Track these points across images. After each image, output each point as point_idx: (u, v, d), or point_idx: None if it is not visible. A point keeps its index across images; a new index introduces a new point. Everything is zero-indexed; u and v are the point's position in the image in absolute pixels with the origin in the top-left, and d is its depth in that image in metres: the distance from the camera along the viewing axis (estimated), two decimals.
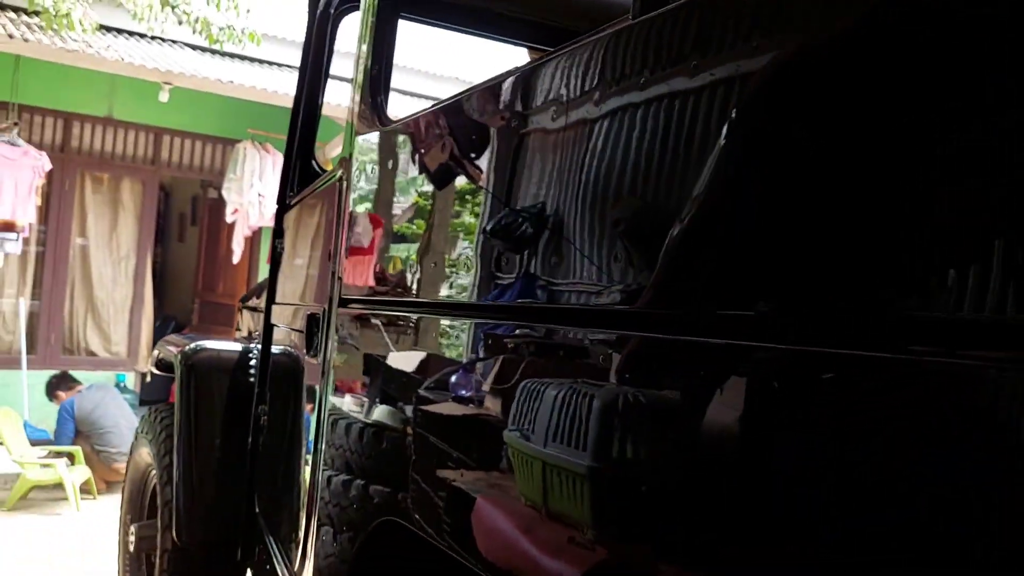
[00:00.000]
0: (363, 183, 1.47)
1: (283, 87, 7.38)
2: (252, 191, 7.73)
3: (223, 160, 8.38)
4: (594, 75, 0.82)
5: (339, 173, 1.60)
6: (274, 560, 2.06)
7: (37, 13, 6.32)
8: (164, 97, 6.96)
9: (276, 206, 2.51)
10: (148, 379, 8.41)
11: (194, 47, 7.71)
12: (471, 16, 2.00)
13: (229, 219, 7.90)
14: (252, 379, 2.75)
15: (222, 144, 8.37)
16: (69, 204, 7.70)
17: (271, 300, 2.43)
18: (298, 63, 8.08)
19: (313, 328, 1.73)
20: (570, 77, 0.87)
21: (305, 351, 1.76)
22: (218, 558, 2.76)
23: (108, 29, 7.23)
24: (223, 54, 7.76)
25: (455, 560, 1.28)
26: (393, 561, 1.33)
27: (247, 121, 8.05)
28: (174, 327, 9.87)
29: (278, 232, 2.44)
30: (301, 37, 7.59)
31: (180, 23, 6.53)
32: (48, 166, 6.90)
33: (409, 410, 1.19)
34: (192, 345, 2.94)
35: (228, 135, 8.19)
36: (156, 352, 3.49)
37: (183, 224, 10.85)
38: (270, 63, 8.19)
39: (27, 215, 6.78)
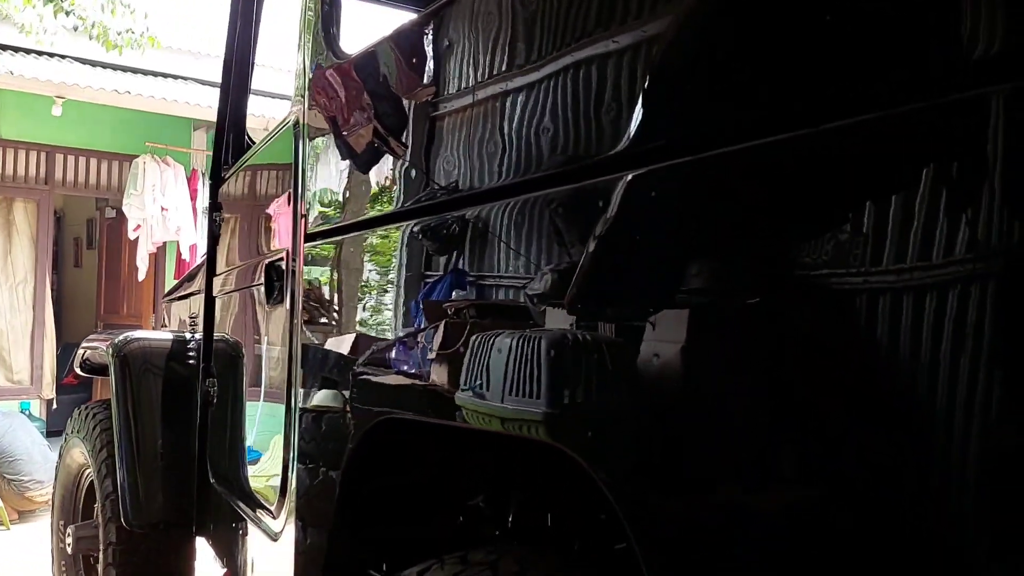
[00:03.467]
0: (320, 121, 1.53)
1: (182, 97, 7.27)
2: (155, 205, 7.57)
3: (120, 177, 8.17)
4: None
5: (292, 119, 1.66)
6: (238, 522, 2.08)
7: None
8: (57, 111, 6.77)
9: (211, 181, 2.52)
10: (54, 406, 8.14)
11: (85, 61, 7.51)
12: None
13: (132, 236, 7.72)
14: (187, 361, 2.76)
15: (118, 161, 8.17)
16: None
17: (211, 273, 2.45)
18: (194, 74, 7.92)
19: (273, 276, 1.77)
20: None
21: (265, 300, 1.80)
22: (168, 538, 2.75)
23: None
24: (115, 67, 7.58)
25: (453, 448, 1.35)
26: (386, 466, 1.39)
27: (144, 135, 7.89)
28: (76, 354, 9.55)
29: (215, 206, 2.46)
30: (197, 47, 7.43)
31: (76, 29, 6.34)
32: None
33: (392, 313, 1.26)
34: (121, 337, 2.92)
35: (125, 151, 8.00)
36: (81, 352, 3.43)
37: (79, 248, 10.51)
38: (164, 75, 8.03)
39: None
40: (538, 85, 0.98)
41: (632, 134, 0.83)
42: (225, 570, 2.95)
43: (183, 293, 3.21)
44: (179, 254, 7.95)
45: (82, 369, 3.48)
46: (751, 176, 0.73)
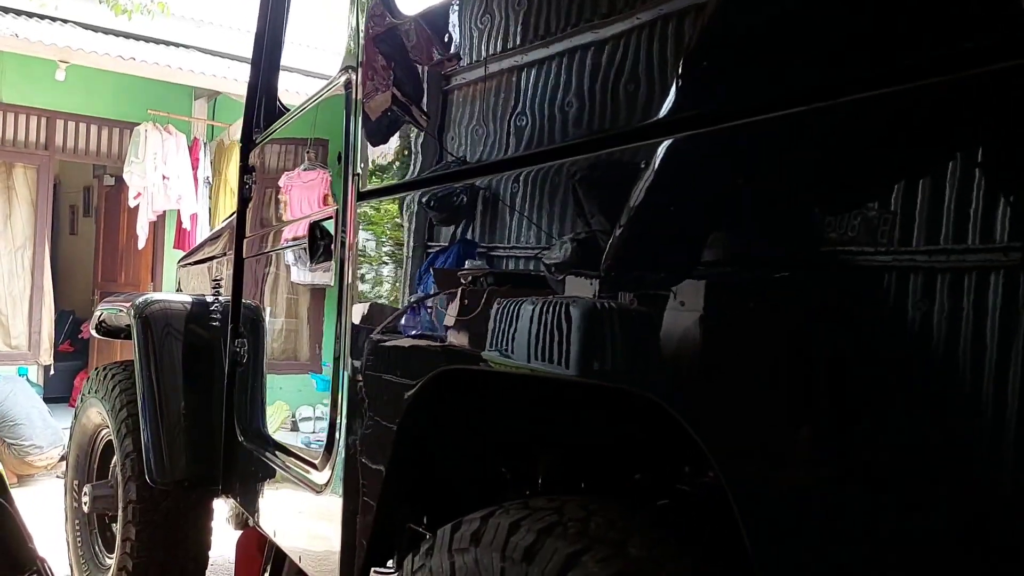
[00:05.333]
0: (376, 79, 1.55)
1: (186, 65, 7.23)
2: (156, 173, 7.55)
3: (120, 145, 8.14)
4: None
5: (342, 79, 1.67)
6: (269, 478, 2.12)
7: None
8: (61, 76, 6.72)
9: (241, 143, 2.53)
10: (51, 372, 8.14)
11: (87, 26, 7.47)
12: None
13: (132, 203, 7.69)
14: (210, 323, 2.79)
15: (119, 128, 8.13)
16: None
17: (241, 236, 2.47)
18: (196, 42, 7.88)
19: (317, 235, 1.80)
20: None
21: (309, 260, 1.83)
22: (188, 497, 2.79)
23: None
24: (119, 33, 7.54)
25: (519, 396, 1.39)
26: (440, 419, 1.42)
27: (145, 103, 7.86)
28: (72, 320, 9.55)
29: (246, 169, 2.48)
30: (200, 14, 7.37)
31: None
32: None
33: (452, 266, 1.29)
34: (141, 299, 2.94)
35: (126, 118, 7.96)
36: (97, 314, 3.45)
37: (75, 216, 10.47)
38: (167, 43, 7.99)
39: None
40: (618, 38, 1.00)
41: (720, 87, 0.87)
42: (251, 526, 3.00)
43: (201, 257, 3.23)
44: (179, 223, 7.93)
45: (98, 331, 3.50)
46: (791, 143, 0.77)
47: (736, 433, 0.82)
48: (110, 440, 3.23)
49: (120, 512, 2.90)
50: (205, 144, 8.14)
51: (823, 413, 0.74)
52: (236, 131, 8.05)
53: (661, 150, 0.92)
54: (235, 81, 7.32)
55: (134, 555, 2.79)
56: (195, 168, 7.89)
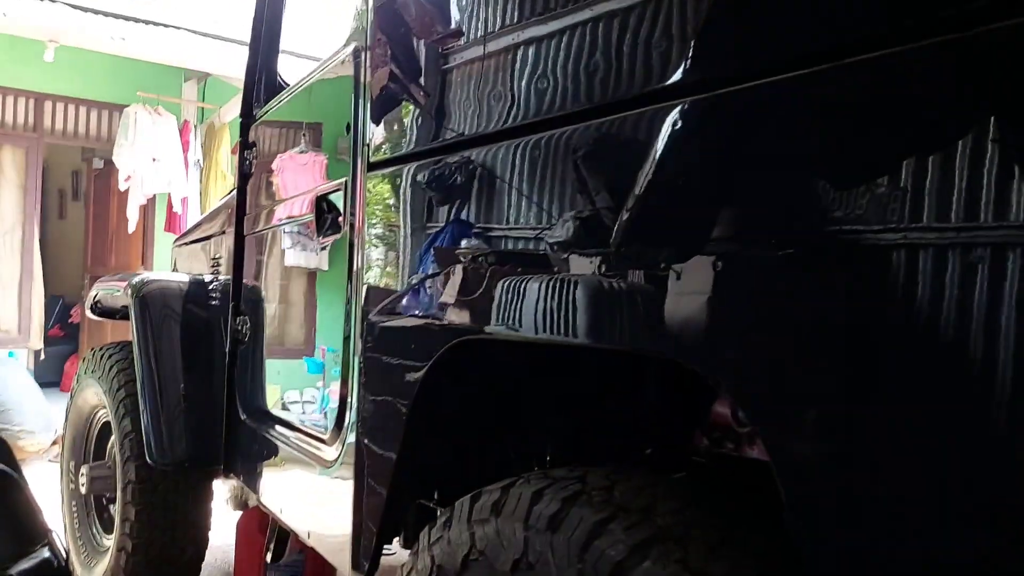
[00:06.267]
0: (385, 49, 1.52)
1: (177, 46, 7.15)
2: (146, 156, 7.48)
3: (110, 127, 8.07)
4: None
5: (353, 48, 1.65)
6: (273, 455, 2.10)
7: None
8: (50, 56, 6.64)
9: (240, 119, 2.50)
10: (41, 357, 8.08)
11: (75, 6, 7.37)
12: None
13: (122, 186, 7.62)
14: (209, 303, 2.77)
15: (108, 110, 8.06)
16: None
17: (242, 212, 2.44)
18: (189, 26, 7.76)
19: (324, 208, 1.78)
20: None
21: (316, 234, 1.81)
22: (188, 477, 2.77)
23: None
24: (107, 14, 7.44)
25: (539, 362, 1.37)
26: (454, 392, 1.41)
27: (135, 84, 7.78)
28: (62, 305, 9.48)
29: (246, 145, 2.44)
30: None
31: None
32: None
33: (469, 234, 1.27)
34: (139, 278, 2.92)
35: (116, 100, 7.89)
36: (93, 294, 3.42)
37: (63, 199, 10.38)
38: (156, 23, 7.89)
39: None
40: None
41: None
42: (251, 507, 2.98)
43: (198, 237, 3.20)
44: (170, 206, 7.86)
45: (93, 311, 3.47)
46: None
47: (780, 400, 0.80)
48: (107, 421, 3.20)
49: (119, 493, 2.87)
50: (195, 126, 8.07)
51: (869, 379, 0.72)
52: (227, 113, 8.00)
53: (687, 109, 0.90)
54: (227, 63, 7.25)
55: (133, 536, 2.77)
56: (185, 151, 7.82)
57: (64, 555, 1.36)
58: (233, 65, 7.28)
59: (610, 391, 1.46)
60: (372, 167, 1.54)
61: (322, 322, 2.00)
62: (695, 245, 0.89)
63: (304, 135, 2.08)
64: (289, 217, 2.06)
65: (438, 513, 1.55)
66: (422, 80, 1.43)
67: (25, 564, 1.29)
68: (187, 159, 7.81)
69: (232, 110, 7.92)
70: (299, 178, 2.10)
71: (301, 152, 2.13)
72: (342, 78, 1.71)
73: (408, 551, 1.62)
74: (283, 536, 2.48)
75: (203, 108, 8.30)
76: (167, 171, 7.61)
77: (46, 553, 1.33)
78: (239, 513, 3.17)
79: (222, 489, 3.25)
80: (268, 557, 2.53)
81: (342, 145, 1.74)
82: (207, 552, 3.04)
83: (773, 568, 0.94)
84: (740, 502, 1.11)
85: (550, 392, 1.47)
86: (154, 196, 7.83)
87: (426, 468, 1.52)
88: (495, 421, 1.49)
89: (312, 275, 2.10)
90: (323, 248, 2.08)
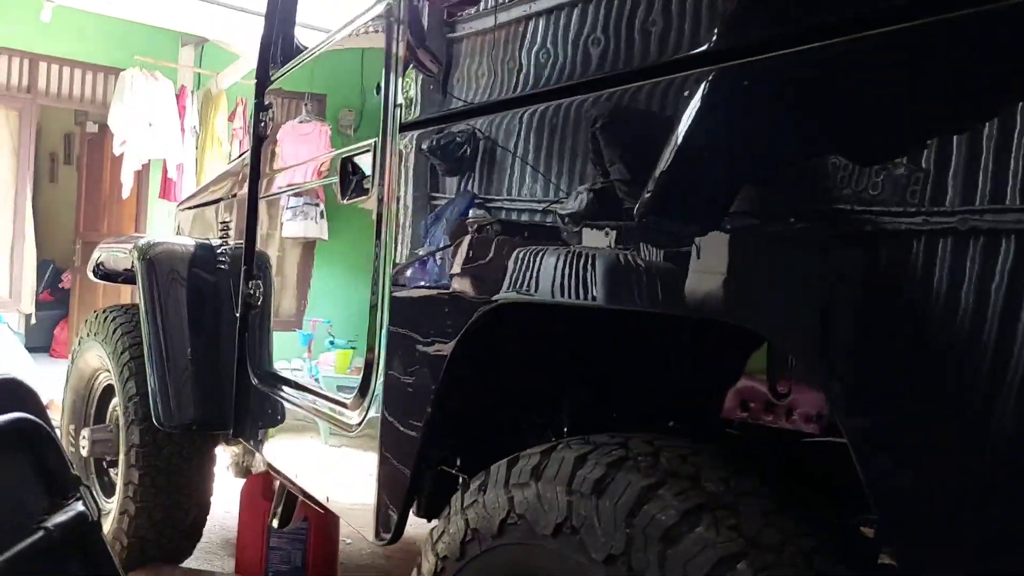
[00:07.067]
0: (423, 5, 1.49)
1: (176, 9, 7.05)
2: (142, 121, 7.40)
3: (105, 90, 7.97)
4: None
5: (383, 4, 1.62)
6: (287, 421, 2.09)
7: None
8: (47, 16, 6.54)
9: (256, 80, 2.46)
10: (32, 322, 8.02)
11: None
12: None
13: (117, 151, 7.55)
14: (217, 267, 2.74)
15: (103, 73, 7.96)
16: None
17: (256, 176, 2.41)
18: None
19: (349, 170, 1.76)
20: None
21: (340, 196, 1.78)
22: (192, 441, 2.76)
23: None
24: None
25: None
26: (488, 358, 1.39)
27: (131, 48, 7.68)
28: (52, 270, 9.41)
29: (261, 107, 2.41)
30: None
31: None
32: None
33: (510, 195, 1.25)
34: (144, 241, 2.88)
35: (111, 63, 7.79)
36: (96, 256, 3.38)
37: (55, 163, 10.27)
38: None
39: None
40: None
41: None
42: (254, 473, 2.97)
43: (205, 200, 3.16)
44: (165, 172, 7.80)
45: (95, 274, 3.43)
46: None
47: (857, 372, 0.78)
48: (108, 384, 3.18)
49: (122, 456, 2.85)
50: (192, 92, 7.98)
51: (949, 354, 0.70)
52: (225, 80, 7.91)
53: (764, 66, 0.88)
54: (225, 28, 7.16)
55: (137, 499, 2.75)
56: (182, 117, 7.74)
57: (96, 509, 1.34)
58: (231, 31, 7.20)
59: (643, 359, 1.45)
60: (404, 128, 1.52)
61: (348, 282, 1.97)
62: (755, 212, 0.87)
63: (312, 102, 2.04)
64: (310, 180, 2.03)
65: (459, 480, 1.55)
66: (459, 37, 1.41)
67: (60, 517, 1.27)
68: (183, 125, 7.73)
69: (230, 76, 7.85)
70: (319, 141, 2.08)
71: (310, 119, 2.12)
72: (372, 36, 1.68)
73: (422, 519, 1.62)
74: (291, 502, 2.47)
75: (200, 74, 8.21)
76: (163, 137, 7.54)
77: (80, 506, 1.31)
78: (240, 480, 3.17)
79: (223, 456, 3.24)
80: (275, 523, 2.52)
81: (369, 106, 1.71)
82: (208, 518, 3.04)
83: (824, 538, 0.93)
84: (782, 473, 1.10)
85: (582, 360, 1.46)
86: (149, 162, 7.76)
87: (452, 435, 1.51)
88: (521, 390, 1.48)
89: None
90: (322, 217, 2.06)
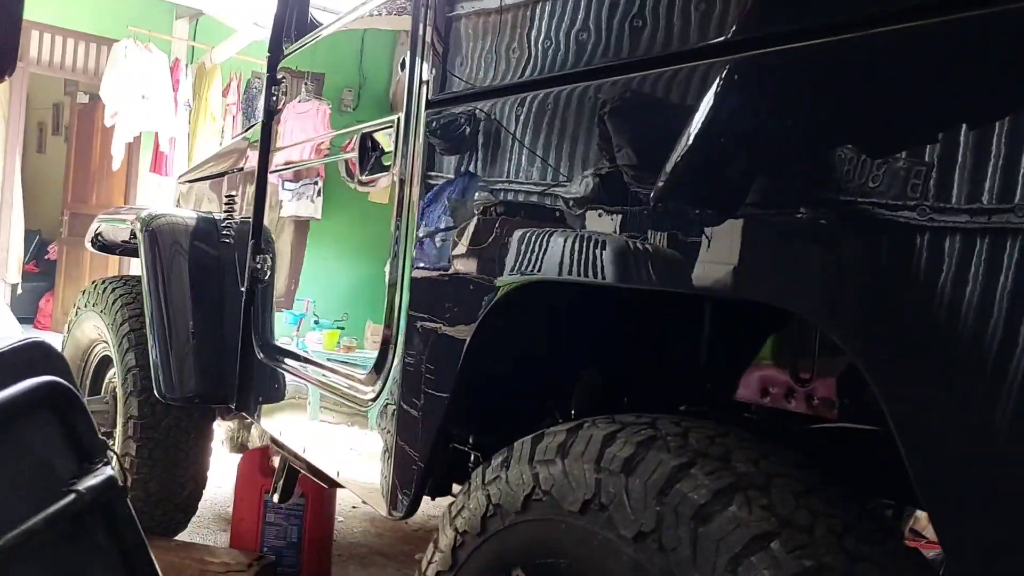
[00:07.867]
0: None
1: None
2: (135, 93, 7.33)
3: (97, 61, 7.89)
4: None
5: None
6: (295, 395, 2.09)
7: None
8: None
9: (269, 55, 2.45)
10: (19, 292, 7.96)
11: None
12: None
13: (108, 122, 7.48)
14: (221, 238, 2.73)
15: (96, 43, 7.87)
16: None
17: (267, 150, 2.40)
18: None
19: (368, 146, 1.75)
20: None
21: (358, 171, 1.78)
22: (190, 414, 2.76)
23: None
24: None
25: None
26: (512, 336, 1.40)
27: (125, 19, 7.61)
28: (39, 241, 9.33)
29: (274, 80, 2.39)
30: None
31: None
32: None
33: (541, 174, 1.25)
34: (146, 212, 2.87)
35: (104, 33, 7.71)
36: (95, 227, 3.35)
37: (43, 133, 10.16)
38: None
39: None
40: None
41: None
42: (255, 447, 2.97)
43: (208, 173, 3.14)
44: (156, 145, 7.73)
45: (94, 245, 3.41)
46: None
47: (898, 354, 0.78)
48: (105, 355, 3.16)
49: (119, 428, 2.85)
50: (186, 66, 7.91)
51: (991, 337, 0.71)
52: (219, 54, 7.85)
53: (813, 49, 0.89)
54: (220, 2, 7.10)
55: (133, 471, 2.75)
56: (175, 90, 7.68)
57: (125, 473, 1.35)
58: (227, 5, 7.15)
59: (661, 342, 1.46)
60: (431, 104, 1.52)
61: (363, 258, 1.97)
62: (797, 193, 0.88)
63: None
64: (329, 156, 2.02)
65: (471, 458, 1.56)
66: (490, 10, 1.40)
67: (91, 481, 1.27)
68: (176, 99, 7.67)
69: (224, 51, 7.79)
70: (317, 119, 2.08)
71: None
72: (399, 11, 1.68)
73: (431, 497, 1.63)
74: (292, 477, 2.47)
75: (194, 47, 8.14)
76: (155, 110, 7.47)
77: (109, 470, 1.31)
78: (235, 456, 3.17)
79: (219, 432, 3.24)
80: (275, 498, 2.52)
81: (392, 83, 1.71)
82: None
83: (852, 519, 0.94)
84: (809, 456, 1.11)
85: (603, 339, 1.47)
86: (140, 135, 7.69)
87: (471, 414, 1.52)
88: (540, 367, 1.49)
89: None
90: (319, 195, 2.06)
